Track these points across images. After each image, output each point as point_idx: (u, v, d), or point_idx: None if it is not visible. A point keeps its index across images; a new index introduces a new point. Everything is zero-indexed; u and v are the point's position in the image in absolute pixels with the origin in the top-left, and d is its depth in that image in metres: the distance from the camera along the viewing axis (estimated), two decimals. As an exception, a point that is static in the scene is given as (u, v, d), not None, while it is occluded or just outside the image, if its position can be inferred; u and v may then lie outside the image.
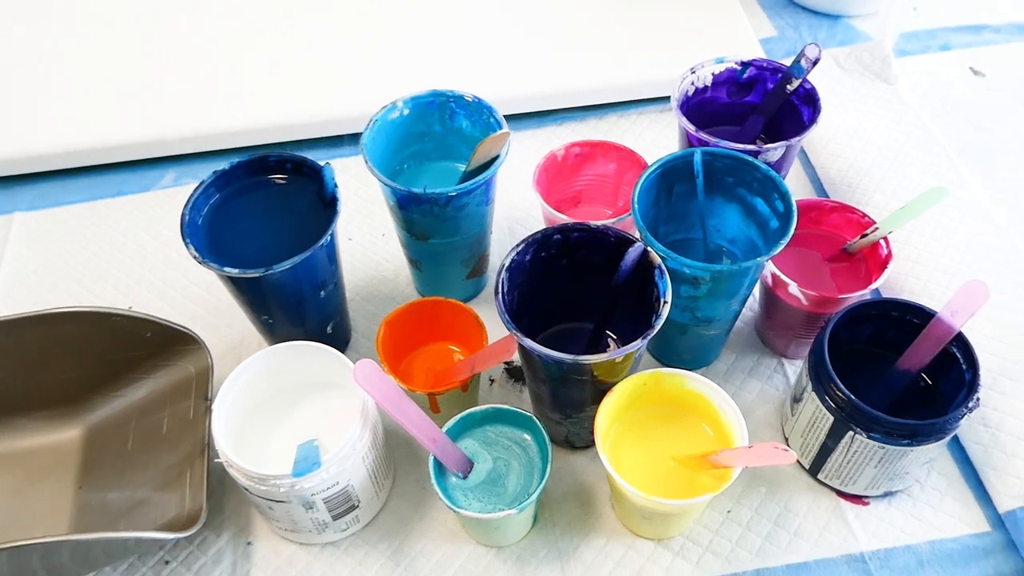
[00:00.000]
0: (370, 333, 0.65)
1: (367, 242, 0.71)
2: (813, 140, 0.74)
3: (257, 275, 0.51)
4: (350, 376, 0.47)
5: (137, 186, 0.77)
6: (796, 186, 0.73)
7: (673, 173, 0.56)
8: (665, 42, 0.81)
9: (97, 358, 0.59)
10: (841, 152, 0.73)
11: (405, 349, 0.60)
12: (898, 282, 0.64)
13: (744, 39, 0.82)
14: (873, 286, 0.56)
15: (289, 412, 0.56)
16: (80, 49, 0.83)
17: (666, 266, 0.50)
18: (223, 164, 0.57)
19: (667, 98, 0.78)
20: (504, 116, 0.77)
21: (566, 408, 0.54)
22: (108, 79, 0.80)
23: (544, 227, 0.54)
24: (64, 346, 0.58)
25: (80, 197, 0.76)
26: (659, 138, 0.77)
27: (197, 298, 0.68)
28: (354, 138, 0.78)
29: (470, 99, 0.60)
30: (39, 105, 0.79)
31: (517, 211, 0.72)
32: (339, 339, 0.63)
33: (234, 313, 0.64)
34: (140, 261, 0.71)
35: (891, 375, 0.53)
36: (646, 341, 0.47)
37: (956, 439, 0.57)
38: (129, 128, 0.77)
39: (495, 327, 0.57)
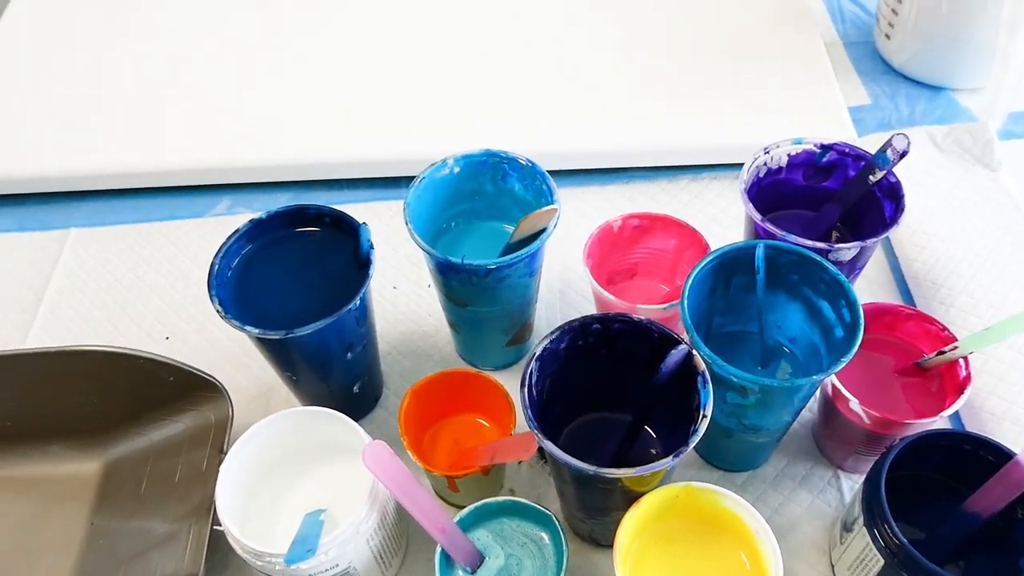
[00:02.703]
0: (402, 391, 0.62)
1: (412, 293, 0.69)
2: (899, 227, 0.68)
3: (278, 337, 0.49)
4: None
5: (190, 211, 0.76)
6: (875, 276, 0.68)
7: (732, 264, 0.52)
8: (748, 104, 0.76)
9: (121, 395, 0.58)
10: (928, 243, 0.67)
11: (431, 419, 0.57)
12: (979, 400, 0.58)
13: (833, 107, 0.76)
14: (946, 413, 0.50)
15: (303, 475, 0.54)
16: (145, 73, 0.83)
17: (712, 371, 0.46)
18: (261, 213, 0.55)
19: (741, 165, 0.74)
20: (570, 170, 0.74)
21: (590, 510, 0.50)
22: (170, 103, 0.80)
23: (589, 312, 0.51)
24: (90, 380, 0.58)
25: (133, 218, 0.76)
26: (730, 207, 0.73)
27: (234, 336, 0.66)
28: (411, 181, 0.75)
29: (524, 162, 0.56)
30: (101, 125, 0.79)
31: (571, 273, 0.69)
32: (367, 397, 0.61)
33: (267, 356, 0.62)
34: (183, 290, 0.70)
35: (959, 515, 0.47)
36: (679, 459, 0.43)
37: (1027, 594, 0.51)
38: (188, 153, 0.76)
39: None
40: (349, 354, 0.54)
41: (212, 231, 0.74)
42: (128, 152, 0.77)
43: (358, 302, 0.51)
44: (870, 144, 0.74)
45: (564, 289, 0.68)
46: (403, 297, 0.69)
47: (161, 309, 0.69)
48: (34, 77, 0.83)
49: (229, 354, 0.66)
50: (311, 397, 0.58)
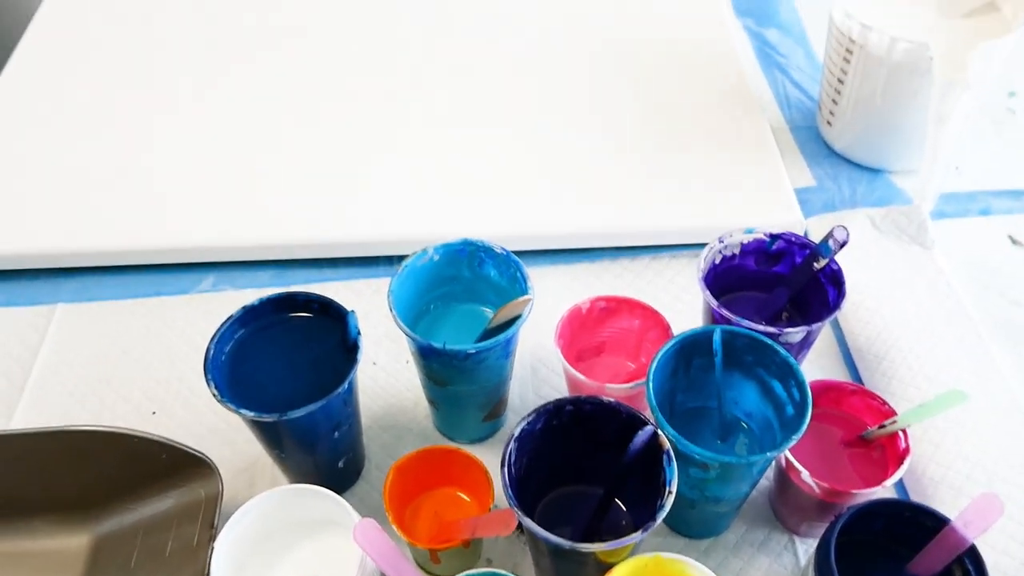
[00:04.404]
0: (383, 463, 0.66)
1: (392, 368, 0.72)
2: (844, 304, 0.74)
3: (271, 419, 0.52)
4: (353, 522, 0.49)
5: (176, 288, 0.79)
6: (823, 349, 0.73)
7: (692, 347, 0.56)
8: (701, 188, 0.82)
9: (113, 472, 0.60)
10: (871, 319, 0.72)
11: (413, 493, 0.60)
12: (919, 466, 0.63)
13: (781, 189, 0.82)
14: (889, 482, 0.55)
15: (292, 549, 0.57)
16: (129, 154, 0.86)
17: (676, 448, 0.50)
18: (252, 296, 0.58)
19: (700, 245, 0.79)
20: (536, 251, 0.79)
21: (565, 580, 0.53)
22: (156, 184, 0.83)
23: (559, 386, 0.55)
24: (82, 458, 0.60)
25: (119, 294, 0.78)
26: (689, 285, 0.78)
27: (220, 410, 0.68)
28: (389, 260, 0.80)
29: (499, 251, 0.61)
30: (88, 203, 0.82)
31: (542, 350, 0.73)
32: (350, 471, 0.64)
33: (252, 430, 0.65)
34: (169, 366, 0.73)
35: (902, 578, 0.52)
36: (647, 533, 0.47)
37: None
38: (173, 232, 0.79)
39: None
40: (336, 433, 0.58)
41: (197, 308, 0.77)
42: (114, 231, 0.79)
43: (347, 385, 0.54)
44: (817, 225, 0.81)
45: (536, 365, 0.72)
46: (382, 372, 0.72)
47: (148, 384, 0.72)
48: (21, 155, 0.86)
49: (215, 428, 0.69)
50: (297, 473, 0.61)
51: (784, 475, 0.58)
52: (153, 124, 0.89)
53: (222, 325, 0.57)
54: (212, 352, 0.56)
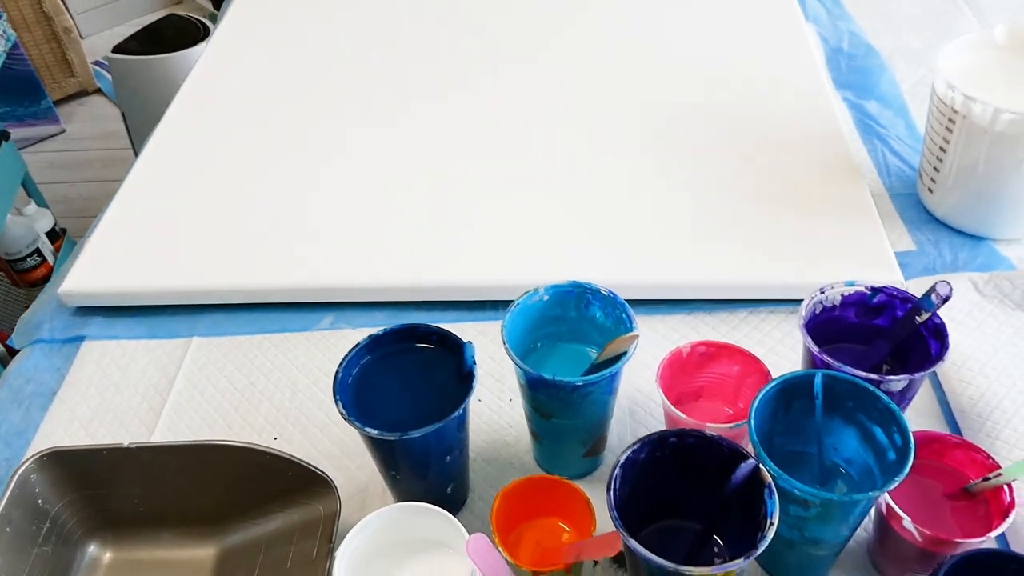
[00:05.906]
0: (485, 495, 0.69)
1: (495, 406, 0.76)
2: (945, 363, 0.74)
3: (393, 438, 0.57)
4: (463, 541, 0.52)
5: (298, 325, 0.85)
6: (924, 408, 0.73)
7: (793, 390, 0.58)
8: (803, 248, 0.84)
9: (241, 486, 0.65)
10: (973, 379, 0.72)
11: (516, 520, 0.63)
12: (1021, 519, 0.62)
13: (881, 253, 0.84)
14: (993, 533, 0.55)
15: (403, 566, 0.60)
16: (259, 206, 0.94)
17: (776, 485, 0.52)
18: (377, 328, 0.63)
19: (797, 301, 0.81)
20: (638, 299, 0.82)
21: (664, 608, 0.55)
22: (283, 230, 0.91)
23: (662, 428, 0.58)
24: (214, 472, 0.65)
25: (247, 329, 0.85)
26: (786, 339, 0.79)
27: (335, 438, 0.74)
28: (494, 305, 0.84)
29: (605, 292, 0.65)
30: (221, 248, 0.89)
31: (639, 395, 0.75)
32: (457, 498, 0.67)
33: (365, 456, 0.70)
34: (290, 396, 0.78)
35: (1007, 631, 0.51)
36: (748, 561, 0.48)
37: None
38: (297, 274, 0.86)
39: (604, 509, 0.60)
40: (448, 457, 0.61)
41: (317, 344, 0.83)
42: (245, 272, 0.87)
43: (461, 411, 0.58)
44: (917, 287, 0.82)
45: (633, 408, 0.75)
46: (486, 409, 0.76)
47: (270, 412, 0.77)
48: (165, 208, 0.95)
49: (330, 454, 0.73)
50: (409, 495, 0.64)
51: (885, 523, 0.58)
52: (277, 176, 0.98)
53: (350, 352, 0.62)
54: (340, 375, 0.60)
